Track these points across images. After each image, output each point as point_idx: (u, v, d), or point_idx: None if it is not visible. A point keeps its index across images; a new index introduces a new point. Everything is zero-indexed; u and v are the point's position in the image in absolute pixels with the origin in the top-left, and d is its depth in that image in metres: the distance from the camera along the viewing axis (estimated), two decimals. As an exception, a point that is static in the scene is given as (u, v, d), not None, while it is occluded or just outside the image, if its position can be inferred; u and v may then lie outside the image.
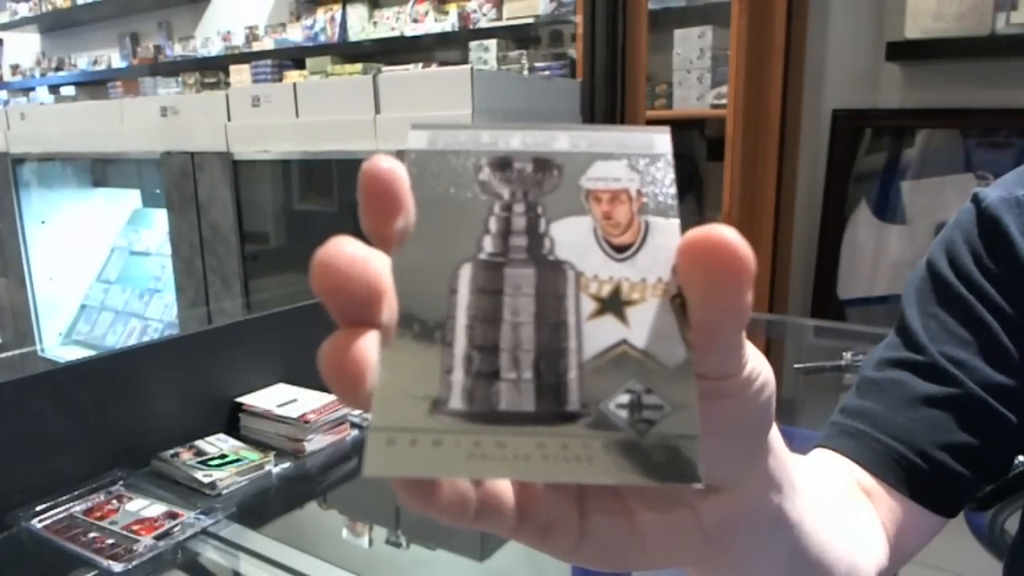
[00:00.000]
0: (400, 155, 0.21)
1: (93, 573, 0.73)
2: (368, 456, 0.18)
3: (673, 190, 0.21)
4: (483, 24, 2.88)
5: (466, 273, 0.20)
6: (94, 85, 4.77)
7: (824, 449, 0.49)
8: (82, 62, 4.94)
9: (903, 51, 1.81)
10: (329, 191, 2.03)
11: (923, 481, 0.46)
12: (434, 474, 0.19)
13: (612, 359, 0.19)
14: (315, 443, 0.98)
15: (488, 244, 0.20)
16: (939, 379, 0.47)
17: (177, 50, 4.31)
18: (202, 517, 0.81)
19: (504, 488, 0.23)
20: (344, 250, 0.19)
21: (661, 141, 0.22)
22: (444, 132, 0.21)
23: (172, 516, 0.81)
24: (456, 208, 0.20)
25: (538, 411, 0.19)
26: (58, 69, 5.10)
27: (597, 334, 0.19)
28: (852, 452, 0.48)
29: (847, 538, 0.37)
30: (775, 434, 0.26)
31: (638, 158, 0.22)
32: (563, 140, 0.22)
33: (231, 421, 1.03)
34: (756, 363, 0.23)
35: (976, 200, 0.51)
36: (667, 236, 0.20)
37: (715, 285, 0.19)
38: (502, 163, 0.21)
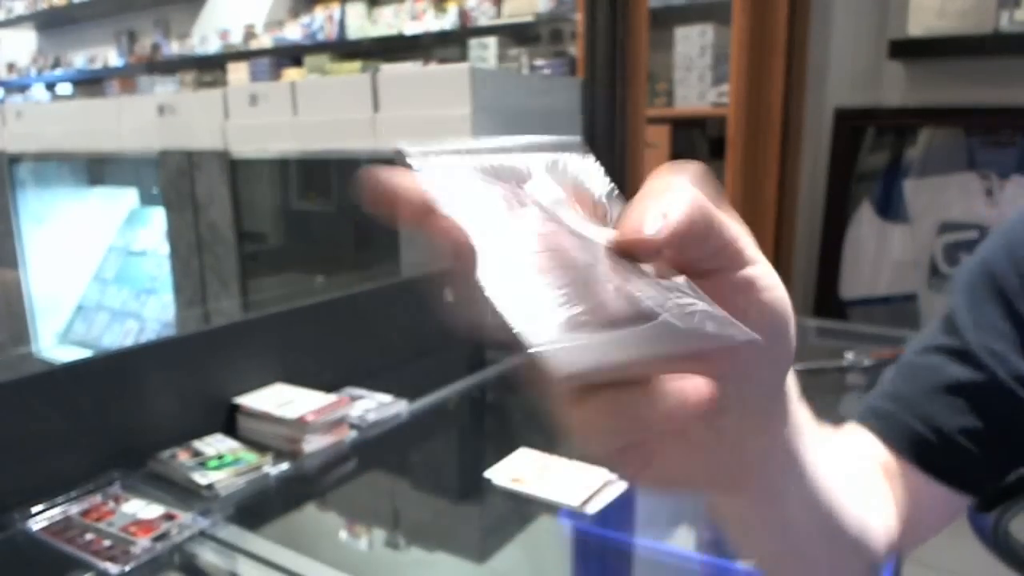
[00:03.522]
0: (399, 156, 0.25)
1: (90, 575, 0.72)
2: (553, 362, 0.22)
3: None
4: (483, 22, 2.87)
5: (528, 240, 0.25)
6: (91, 83, 4.77)
7: (856, 426, 0.53)
8: (79, 60, 4.93)
9: (906, 49, 1.81)
10: (327, 190, 2.02)
11: (939, 460, 0.49)
12: (600, 362, 0.23)
13: (652, 282, 0.25)
14: (313, 444, 0.97)
15: (526, 216, 0.25)
16: (971, 365, 0.49)
17: (174, 48, 4.30)
18: (199, 518, 0.81)
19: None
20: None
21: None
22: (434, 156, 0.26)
23: (169, 517, 0.81)
24: (479, 197, 0.25)
25: (636, 315, 0.24)
26: (54, 67, 5.09)
27: (633, 269, 0.25)
28: (877, 429, 0.51)
29: (861, 501, 0.42)
30: (793, 382, 0.32)
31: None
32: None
33: (229, 422, 1.02)
34: (764, 269, 0.28)
35: None
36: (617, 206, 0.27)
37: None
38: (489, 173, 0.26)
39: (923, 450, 0.49)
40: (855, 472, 0.46)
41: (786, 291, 0.29)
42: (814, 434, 0.34)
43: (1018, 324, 0.49)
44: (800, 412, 0.32)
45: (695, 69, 2.09)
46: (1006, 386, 0.47)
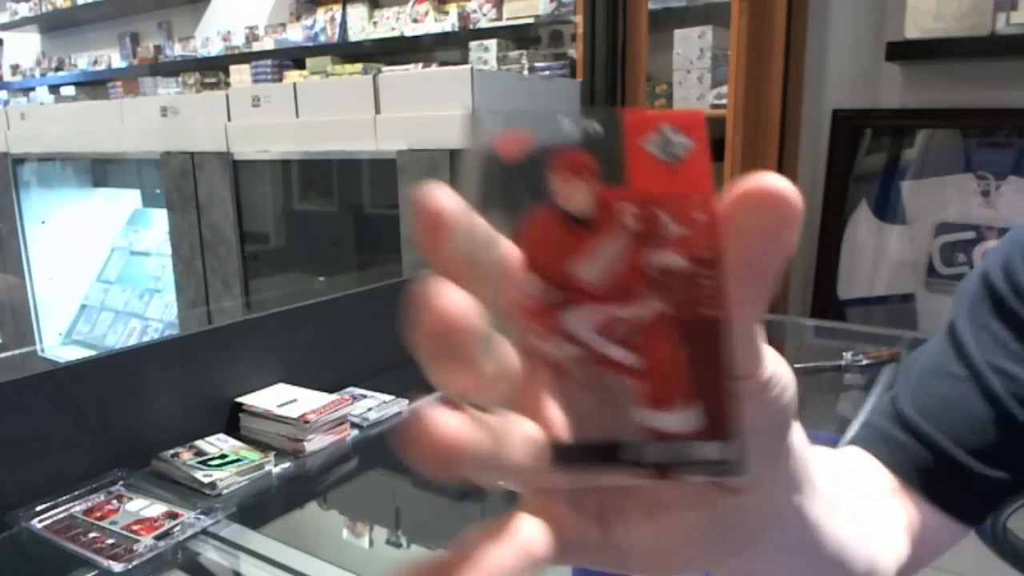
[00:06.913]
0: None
1: (93, 573, 0.73)
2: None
3: None
4: (483, 24, 2.87)
5: None
6: (94, 85, 4.78)
7: (859, 448, 0.50)
8: (82, 62, 4.94)
9: (903, 51, 1.81)
10: (329, 191, 2.03)
11: (952, 494, 0.47)
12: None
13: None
14: (315, 443, 0.98)
15: None
16: (981, 395, 0.47)
17: (177, 50, 4.31)
18: (202, 517, 0.81)
19: (535, 534, 0.23)
20: (453, 299, 0.18)
21: None
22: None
23: (172, 516, 0.81)
24: None
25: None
26: (58, 69, 5.10)
27: None
28: (885, 457, 0.48)
29: (868, 536, 0.38)
30: (798, 434, 0.27)
31: None
32: None
33: (231, 421, 1.03)
34: (777, 368, 0.23)
35: None
36: None
37: None
38: None
39: (935, 483, 0.47)
40: (863, 506, 0.42)
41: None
42: (818, 484, 0.30)
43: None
44: (802, 461, 0.28)
45: (694, 71, 2.09)
46: (1017, 419, 0.46)
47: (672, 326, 0.19)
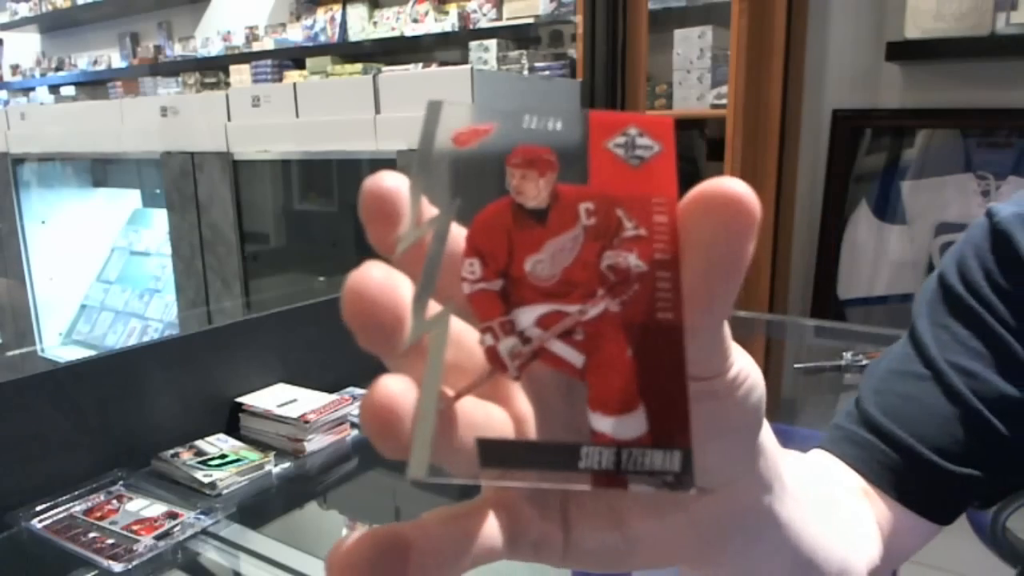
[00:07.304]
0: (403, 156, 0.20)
1: (93, 573, 0.73)
2: None
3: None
4: (483, 24, 2.88)
5: None
6: (94, 85, 4.78)
7: (824, 451, 0.49)
8: (82, 62, 4.94)
9: (903, 51, 1.81)
10: (329, 191, 2.03)
11: (921, 494, 0.46)
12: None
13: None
14: (315, 443, 0.98)
15: None
16: (944, 393, 0.47)
17: (177, 50, 4.31)
18: (202, 517, 0.82)
19: (492, 525, 0.22)
20: (374, 276, 0.18)
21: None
22: None
23: (172, 516, 0.82)
24: None
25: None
26: (58, 69, 5.10)
27: None
28: (852, 459, 0.48)
29: (839, 538, 0.38)
30: (767, 435, 0.26)
31: None
32: None
33: (231, 421, 1.03)
34: (743, 365, 0.22)
35: (989, 215, 0.50)
36: None
37: None
38: None
39: (903, 483, 0.47)
40: (835, 510, 0.42)
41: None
42: (789, 485, 0.29)
43: (993, 342, 0.47)
44: (773, 462, 0.27)
45: (694, 71, 2.10)
46: (980, 414, 0.46)
47: (622, 327, 0.19)
